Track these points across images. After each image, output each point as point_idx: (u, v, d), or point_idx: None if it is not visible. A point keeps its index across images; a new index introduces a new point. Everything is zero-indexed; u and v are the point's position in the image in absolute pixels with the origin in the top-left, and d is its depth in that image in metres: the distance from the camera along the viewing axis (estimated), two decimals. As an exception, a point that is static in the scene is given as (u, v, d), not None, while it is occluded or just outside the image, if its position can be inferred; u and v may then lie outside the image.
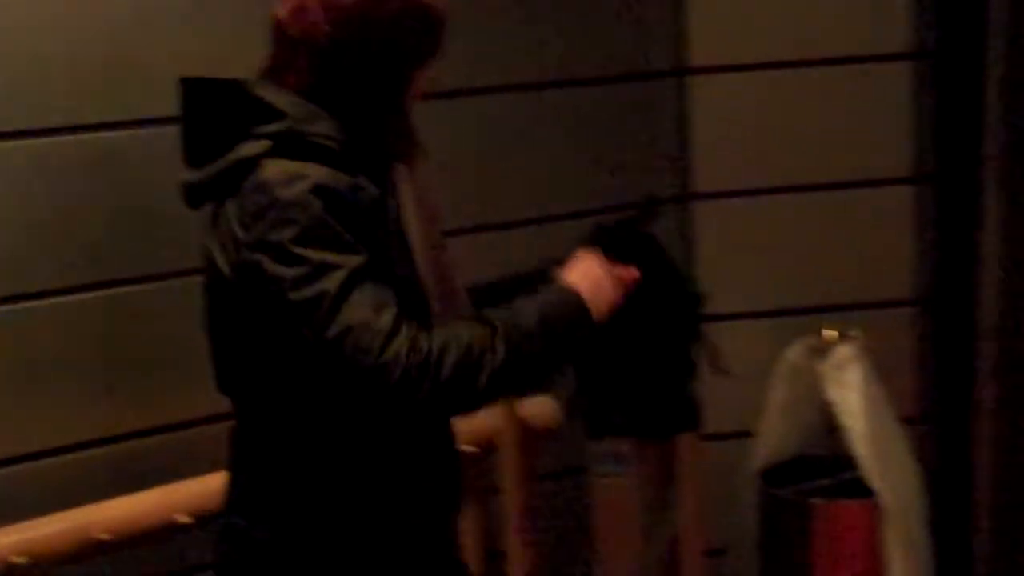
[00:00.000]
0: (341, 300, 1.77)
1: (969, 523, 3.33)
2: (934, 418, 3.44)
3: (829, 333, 3.17)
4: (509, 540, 2.91)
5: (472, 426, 2.69)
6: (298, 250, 1.79)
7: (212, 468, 2.34)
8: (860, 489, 3.10)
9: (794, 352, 3.21)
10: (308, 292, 1.78)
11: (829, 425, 3.18)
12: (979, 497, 3.29)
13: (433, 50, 1.96)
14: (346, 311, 1.77)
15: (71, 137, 2.57)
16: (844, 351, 3.13)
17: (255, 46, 1.96)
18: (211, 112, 1.94)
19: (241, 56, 1.97)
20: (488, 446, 2.84)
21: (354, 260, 1.80)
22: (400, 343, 1.77)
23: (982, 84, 3.16)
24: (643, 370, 2.51)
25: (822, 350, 3.16)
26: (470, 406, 1.89)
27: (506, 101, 3.07)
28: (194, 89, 1.95)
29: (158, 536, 2.55)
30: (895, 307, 3.36)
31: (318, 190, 1.80)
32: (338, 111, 1.91)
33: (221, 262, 1.90)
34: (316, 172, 1.82)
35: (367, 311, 1.77)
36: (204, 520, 2.44)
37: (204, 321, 2.00)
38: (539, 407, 2.92)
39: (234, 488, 2.05)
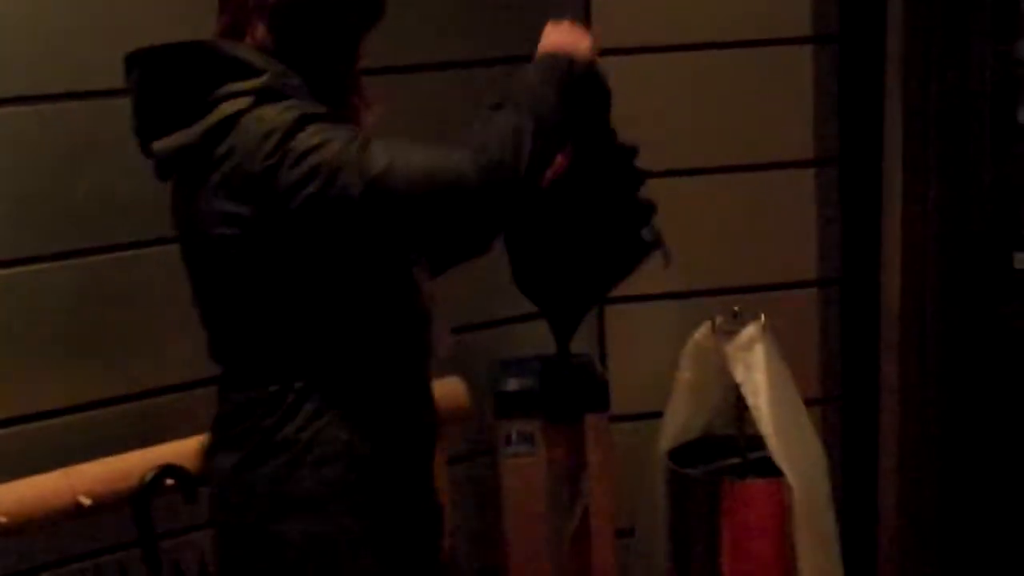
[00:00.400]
0: (370, 143, 1.84)
1: (875, 501, 3.36)
2: (840, 398, 3.48)
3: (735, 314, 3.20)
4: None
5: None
6: (307, 137, 1.84)
7: (178, 435, 2.38)
8: (768, 468, 3.13)
9: (701, 333, 3.23)
10: (335, 152, 1.82)
11: (736, 405, 3.21)
12: (884, 475, 3.33)
13: (379, 9, 2.03)
14: (386, 150, 1.83)
15: (33, 107, 2.57)
16: (750, 332, 3.15)
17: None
18: (179, 77, 1.94)
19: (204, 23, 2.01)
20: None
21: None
22: (460, 152, 1.83)
23: (883, 68, 3.20)
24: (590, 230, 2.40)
25: (728, 331, 3.19)
26: (535, 171, 1.89)
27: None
28: (154, 58, 1.96)
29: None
30: (801, 288, 3.39)
31: (304, 117, 1.86)
32: (298, 70, 1.95)
33: (211, 224, 1.92)
34: (300, 105, 1.89)
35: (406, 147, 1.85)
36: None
37: (193, 293, 2.04)
38: (448, 389, 2.92)
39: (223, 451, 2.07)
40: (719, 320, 3.21)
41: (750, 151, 3.32)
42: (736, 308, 3.21)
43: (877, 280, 3.31)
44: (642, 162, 3.22)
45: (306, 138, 1.84)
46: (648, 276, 3.30)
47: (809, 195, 3.36)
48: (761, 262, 3.37)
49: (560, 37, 2.05)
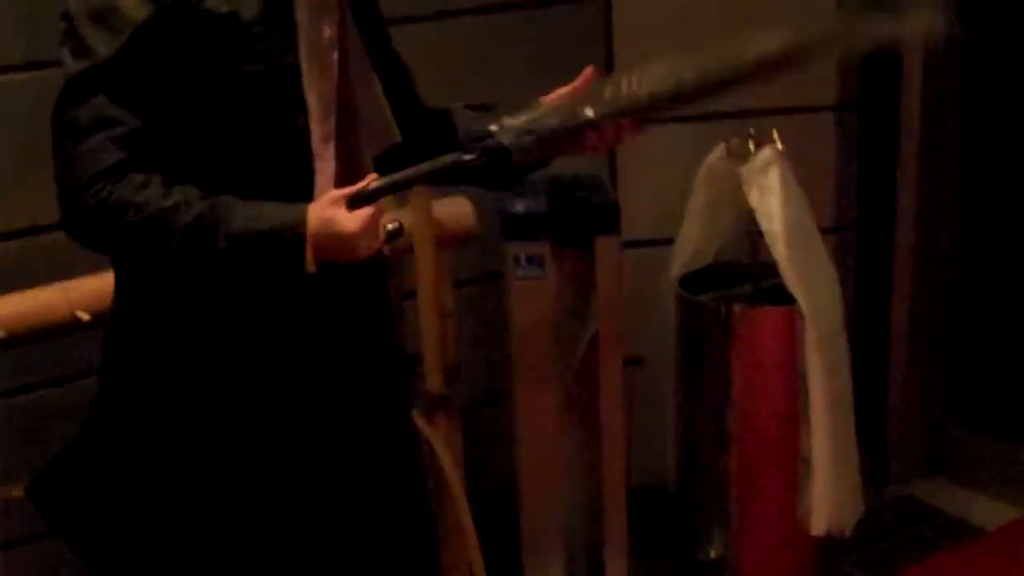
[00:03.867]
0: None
1: (887, 329, 3.32)
2: (856, 225, 3.40)
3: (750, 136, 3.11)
4: (425, 343, 2.84)
5: (383, 224, 2.61)
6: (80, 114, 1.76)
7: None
8: (780, 296, 3.06)
9: (715, 156, 3.15)
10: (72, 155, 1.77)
11: (750, 231, 3.13)
12: (897, 301, 3.29)
13: None
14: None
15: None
16: (765, 155, 3.05)
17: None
18: None
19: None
20: (402, 246, 2.75)
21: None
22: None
23: None
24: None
25: (743, 154, 3.09)
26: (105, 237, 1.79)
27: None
28: None
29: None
30: (818, 112, 3.29)
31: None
32: None
33: None
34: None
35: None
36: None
37: None
38: (455, 208, 2.84)
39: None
40: (734, 142, 3.12)
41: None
42: (752, 130, 3.11)
43: (897, 103, 3.22)
44: None
45: (85, 112, 1.74)
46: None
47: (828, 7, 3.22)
48: (779, 84, 3.24)
49: (325, 235, 1.73)
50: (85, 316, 2.41)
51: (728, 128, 3.15)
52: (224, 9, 1.76)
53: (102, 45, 1.73)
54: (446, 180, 1.95)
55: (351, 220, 1.72)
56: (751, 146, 3.10)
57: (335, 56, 1.82)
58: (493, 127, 1.82)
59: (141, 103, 1.74)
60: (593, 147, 1.95)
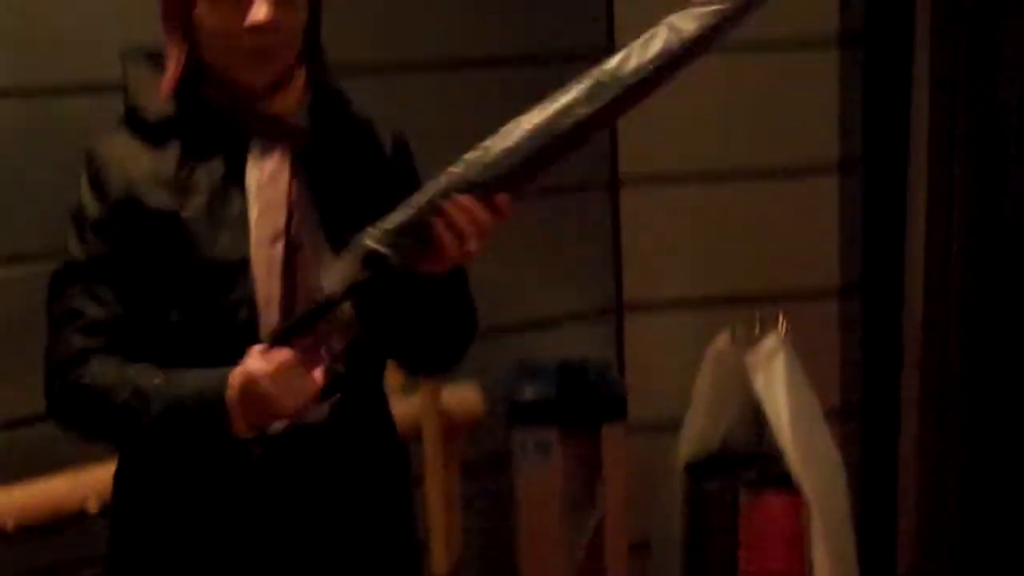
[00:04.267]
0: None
1: (893, 517, 3.32)
2: (859, 410, 3.42)
3: (756, 323, 3.14)
4: (432, 531, 2.84)
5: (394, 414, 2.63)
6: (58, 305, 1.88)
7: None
8: (786, 482, 3.06)
9: (721, 342, 3.18)
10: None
11: (755, 418, 3.15)
12: (903, 491, 3.28)
13: None
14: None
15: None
16: (770, 342, 3.09)
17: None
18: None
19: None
20: (410, 435, 2.77)
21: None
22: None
23: (910, 74, 3.15)
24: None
25: (749, 341, 3.13)
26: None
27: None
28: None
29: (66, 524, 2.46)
30: (822, 298, 3.33)
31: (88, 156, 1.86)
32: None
33: None
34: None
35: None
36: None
37: None
38: (463, 395, 2.87)
39: None
40: (739, 329, 3.15)
41: (773, 156, 3.25)
42: (757, 317, 3.15)
43: (900, 289, 3.26)
44: (664, 166, 3.22)
45: (59, 307, 1.87)
46: (668, 282, 3.28)
47: (832, 202, 3.29)
48: (782, 270, 3.31)
49: (247, 398, 1.74)
50: (93, 508, 2.42)
51: (734, 314, 3.19)
52: (166, 207, 1.83)
53: (73, 243, 1.87)
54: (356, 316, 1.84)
55: (261, 362, 1.74)
56: (756, 332, 3.14)
57: (280, 247, 1.84)
58: (364, 238, 1.76)
59: (105, 294, 1.84)
60: (450, 248, 1.75)
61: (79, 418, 1.88)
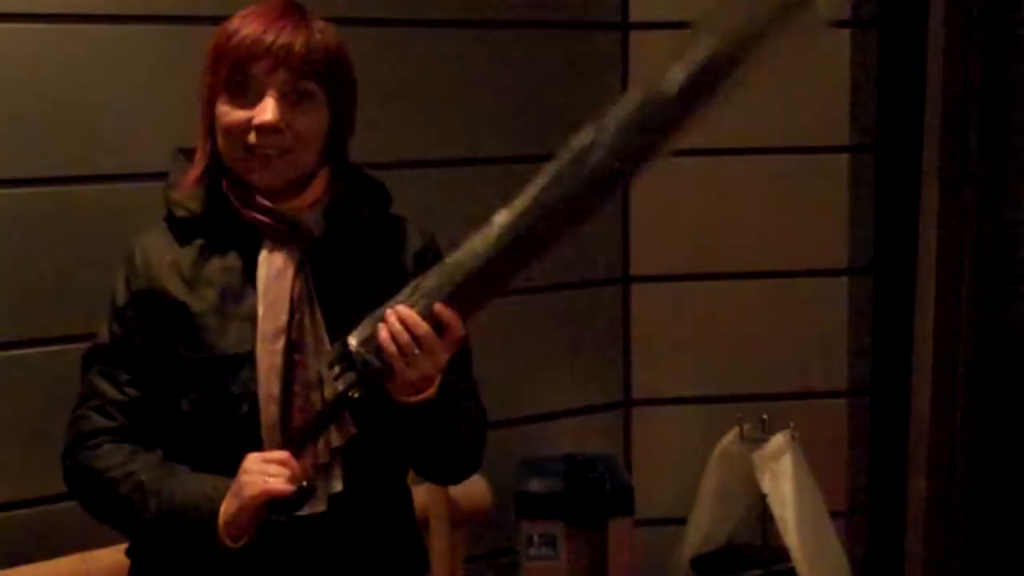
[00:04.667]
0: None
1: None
2: (866, 510, 3.43)
3: (764, 421, 3.17)
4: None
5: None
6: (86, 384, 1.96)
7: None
8: (792, 580, 3.07)
9: (728, 440, 3.20)
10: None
11: (761, 516, 3.17)
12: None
13: (213, 78, 1.88)
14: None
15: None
16: (778, 441, 3.12)
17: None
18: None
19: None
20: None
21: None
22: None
23: (918, 176, 3.20)
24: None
25: (756, 439, 3.16)
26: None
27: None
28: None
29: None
30: (830, 398, 3.35)
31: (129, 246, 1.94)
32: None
33: None
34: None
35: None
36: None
37: None
38: (471, 487, 2.88)
39: None
40: (747, 427, 3.18)
41: (783, 257, 3.29)
42: (764, 416, 3.18)
43: (907, 392, 3.28)
44: (675, 264, 3.26)
45: (85, 384, 1.95)
46: (677, 379, 3.31)
47: (841, 303, 3.32)
48: (791, 369, 3.33)
49: (235, 510, 1.79)
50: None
51: (742, 411, 3.22)
52: (180, 298, 1.89)
53: (103, 326, 1.94)
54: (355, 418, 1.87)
55: (250, 462, 1.79)
56: (765, 430, 3.16)
57: (280, 345, 1.86)
58: (352, 341, 1.77)
59: (123, 377, 1.91)
60: (397, 363, 1.75)
61: (86, 498, 1.94)
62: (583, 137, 1.73)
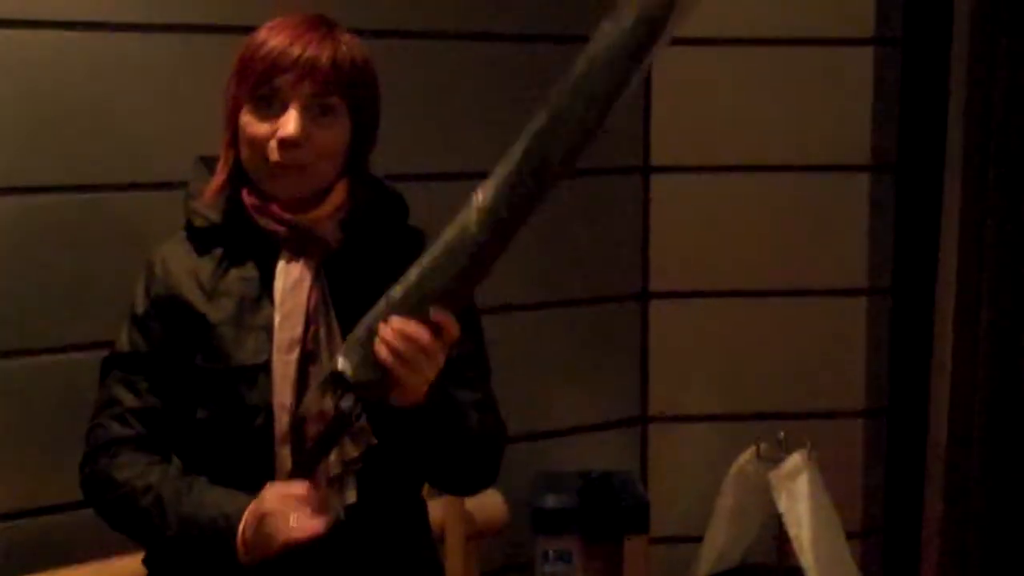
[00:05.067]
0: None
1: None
2: (882, 531, 3.42)
3: (780, 440, 3.16)
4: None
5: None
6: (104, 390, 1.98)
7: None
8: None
9: (745, 459, 3.19)
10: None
11: (777, 535, 3.16)
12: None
13: (238, 89, 1.88)
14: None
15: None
16: (794, 461, 3.11)
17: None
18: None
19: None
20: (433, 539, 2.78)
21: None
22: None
23: (939, 198, 3.19)
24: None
25: (773, 459, 3.15)
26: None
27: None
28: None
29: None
30: (847, 418, 3.35)
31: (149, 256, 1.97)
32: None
33: None
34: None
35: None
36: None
37: None
38: (486, 500, 2.88)
39: None
40: (763, 446, 3.18)
41: (801, 276, 3.29)
42: (781, 434, 3.17)
43: (925, 413, 3.27)
44: (693, 281, 3.25)
45: (103, 391, 1.96)
46: (694, 396, 3.30)
47: (860, 323, 3.32)
48: (808, 389, 3.33)
49: (257, 532, 1.78)
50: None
51: (759, 430, 3.22)
52: (199, 308, 1.90)
53: (122, 334, 1.96)
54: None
55: (276, 503, 1.77)
56: (781, 450, 3.15)
57: (295, 356, 1.86)
58: (338, 364, 1.75)
59: (141, 385, 1.93)
60: (397, 370, 1.72)
61: (104, 508, 1.95)
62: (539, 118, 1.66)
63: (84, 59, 2.54)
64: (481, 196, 1.68)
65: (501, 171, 1.67)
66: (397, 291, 1.72)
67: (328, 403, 1.75)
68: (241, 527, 1.79)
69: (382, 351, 1.70)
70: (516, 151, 1.66)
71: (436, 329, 1.71)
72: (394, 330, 1.70)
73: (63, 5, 2.51)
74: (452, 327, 1.72)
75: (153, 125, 2.60)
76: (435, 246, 1.71)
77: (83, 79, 2.55)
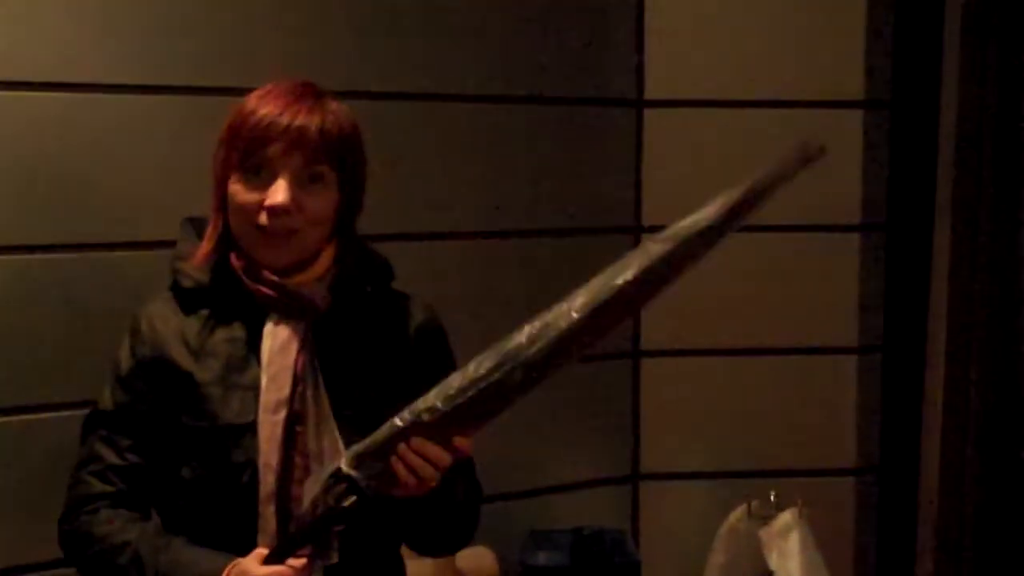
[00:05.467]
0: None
1: None
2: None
3: (771, 498, 3.17)
4: None
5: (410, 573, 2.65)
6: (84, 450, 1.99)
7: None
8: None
9: (736, 516, 3.20)
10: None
11: (768, 591, 3.16)
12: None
13: (227, 157, 1.90)
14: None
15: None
16: (785, 519, 3.11)
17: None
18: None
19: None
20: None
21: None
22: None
23: (929, 256, 3.22)
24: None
25: (764, 516, 3.15)
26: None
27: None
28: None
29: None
30: (838, 475, 3.35)
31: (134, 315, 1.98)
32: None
33: None
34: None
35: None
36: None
37: None
38: (477, 558, 2.88)
39: None
40: (755, 504, 3.18)
41: (793, 334, 3.31)
42: (773, 493, 3.17)
43: (916, 471, 3.28)
44: (685, 339, 3.27)
45: (84, 448, 1.97)
46: (685, 454, 3.31)
47: (850, 381, 3.33)
48: (800, 447, 3.33)
49: None
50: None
51: (750, 488, 3.22)
52: (185, 367, 1.92)
53: (106, 391, 1.97)
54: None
55: (261, 572, 1.78)
56: (772, 507, 3.16)
57: (282, 416, 1.88)
58: (341, 463, 1.78)
59: (124, 443, 1.94)
60: (407, 481, 1.76)
61: (81, 564, 1.96)
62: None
63: (78, 120, 2.57)
64: (524, 338, 1.71)
65: (552, 334, 1.70)
66: (422, 411, 1.74)
67: (327, 497, 1.77)
68: None
69: (400, 469, 1.75)
70: (573, 303, 1.71)
71: (453, 448, 1.76)
72: (416, 451, 1.74)
73: (58, 67, 2.54)
74: (467, 448, 1.78)
75: (142, 185, 2.62)
76: (468, 377, 1.73)
77: (72, 140, 2.57)
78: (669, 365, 3.30)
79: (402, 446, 1.74)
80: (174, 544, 1.88)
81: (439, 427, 1.74)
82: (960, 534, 3.21)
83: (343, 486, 1.76)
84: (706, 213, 1.73)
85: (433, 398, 1.74)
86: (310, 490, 1.78)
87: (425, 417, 1.73)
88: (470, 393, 1.72)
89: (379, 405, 1.83)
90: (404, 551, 2.09)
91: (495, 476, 2.96)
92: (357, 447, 1.77)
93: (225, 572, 1.81)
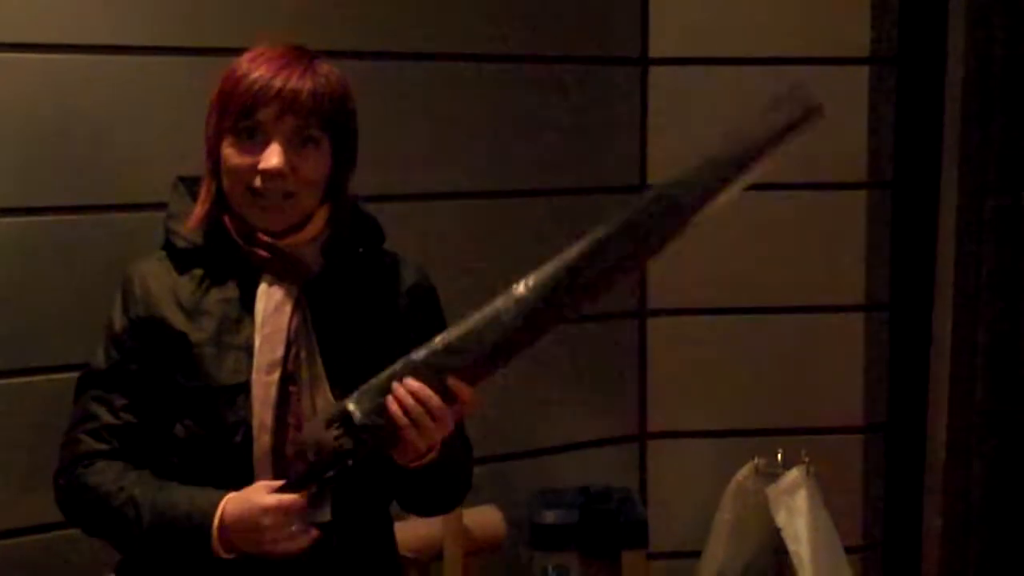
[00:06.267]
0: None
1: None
2: (881, 545, 3.42)
3: (779, 455, 3.18)
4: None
5: (416, 533, 2.66)
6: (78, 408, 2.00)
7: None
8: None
9: (743, 474, 3.20)
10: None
11: (776, 550, 3.16)
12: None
13: (219, 121, 1.92)
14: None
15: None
16: (793, 476, 3.12)
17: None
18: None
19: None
20: (432, 554, 2.80)
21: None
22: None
23: (936, 213, 3.21)
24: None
25: (771, 473, 3.16)
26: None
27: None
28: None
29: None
30: (846, 433, 3.35)
31: (126, 274, 1.98)
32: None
33: None
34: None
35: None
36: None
37: None
38: (485, 517, 2.89)
39: None
40: (762, 462, 3.19)
41: (800, 293, 3.30)
42: (780, 450, 3.18)
43: (923, 427, 3.28)
44: (692, 298, 3.27)
45: (78, 408, 1.98)
46: (692, 413, 3.32)
47: (858, 339, 3.33)
48: (807, 404, 3.34)
49: (241, 529, 1.82)
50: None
51: (757, 446, 3.23)
52: (179, 327, 1.93)
53: (99, 351, 1.97)
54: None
55: (270, 499, 1.81)
56: (780, 465, 3.17)
57: (275, 377, 1.89)
58: (353, 409, 1.80)
59: (118, 402, 1.94)
60: (406, 431, 1.79)
61: (79, 515, 1.98)
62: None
63: (64, 81, 2.56)
64: (522, 289, 1.76)
65: (548, 269, 1.77)
66: (419, 354, 1.79)
67: (328, 437, 1.80)
68: (218, 514, 1.83)
69: (393, 405, 1.77)
70: (570, 253, 1.77)
71: (449, 396, 1.78)
72: (408, 390, 1.76)
73: (61, 29, 2.54)
74: (468, 399, 1.80)
75: (135, 147, 2.62)
76: (465, 322, 1.78)
77: (63, 101, 2.56)
78: (676, 324, 3.30)
79: (395, 384, 1.77)
80: (168, 485, 1.90)
81: (434, 371, 1.77)
82: (967, 491, 3.22)
83: (343, 430, 1.79)
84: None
85: (430, 343, 1.79)
86: (314, 430, 1.81)
87: (420, 358, 1.78)
88: (468, 338, 1.77)
89: (372, 366, 1.84)
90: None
91: (503, 435, 3.01)
92: (361, 387, 1.80)
93: (227, 504, 1.83)
